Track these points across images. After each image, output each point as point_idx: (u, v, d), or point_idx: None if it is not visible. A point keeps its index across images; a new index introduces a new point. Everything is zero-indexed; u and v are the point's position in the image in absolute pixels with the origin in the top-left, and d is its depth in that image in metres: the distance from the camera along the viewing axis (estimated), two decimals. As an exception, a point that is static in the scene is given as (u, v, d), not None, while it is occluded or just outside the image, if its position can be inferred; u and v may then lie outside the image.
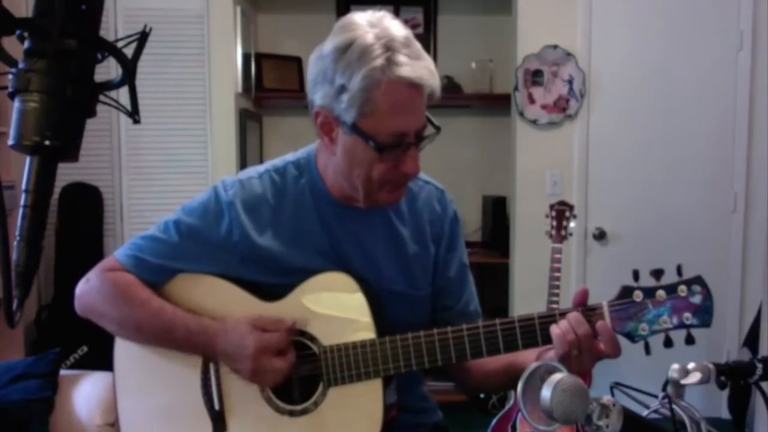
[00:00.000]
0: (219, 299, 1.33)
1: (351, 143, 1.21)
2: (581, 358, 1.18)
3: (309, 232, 1.33)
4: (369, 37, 1.15)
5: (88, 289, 1.35)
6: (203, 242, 1.32)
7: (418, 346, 1.25)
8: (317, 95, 1.21)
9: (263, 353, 1.24)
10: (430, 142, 1.25)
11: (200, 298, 1.34)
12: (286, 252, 1.31)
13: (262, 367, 1.24)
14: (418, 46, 1.19)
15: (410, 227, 1.38)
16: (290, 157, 1.38)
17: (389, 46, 1.15)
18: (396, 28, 1.18)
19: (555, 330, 1.19)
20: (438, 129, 1.24)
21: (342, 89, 1.17)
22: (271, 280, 1.31)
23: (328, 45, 1.19)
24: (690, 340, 1.19)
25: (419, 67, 1.16)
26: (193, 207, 1.34)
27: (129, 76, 0.80)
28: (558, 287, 2.76)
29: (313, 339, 1.29)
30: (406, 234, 1.38)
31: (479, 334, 1.23)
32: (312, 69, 1.23)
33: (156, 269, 1.33)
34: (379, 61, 1.14)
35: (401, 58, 1.15)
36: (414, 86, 1.16)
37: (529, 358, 1.27)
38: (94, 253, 3.53)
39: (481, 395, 3.74)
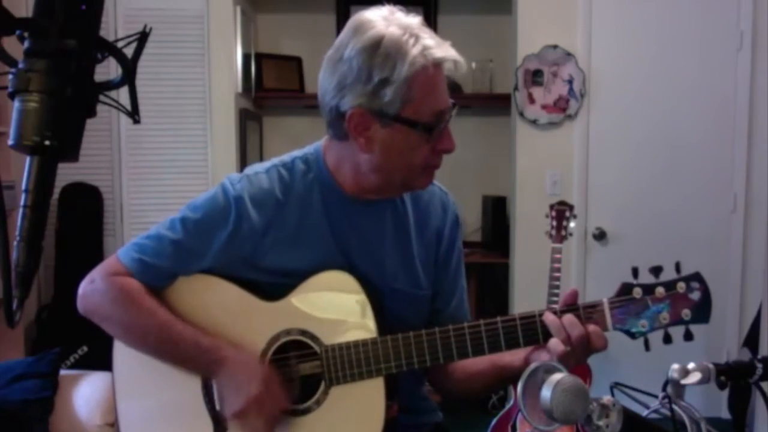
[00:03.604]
0: (220, 299, 1.33)
1: (392, 135, 1.23)
2: (574, 355, 1.20)
3: (314, 228, 1.33)
4: (394, 29, 1.19)
5: (92, 291, 1.34)
6: (210, 238, 1.31)
7: (419, 344, 1.25)
8: (347, 98, 1.21)
9: (260, 405, 1.24)
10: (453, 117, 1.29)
11: (202, 299, 1.34)
12: (290, 249, 1.32)
13: (250, 417, 1.24)
14: (430, 30, 1.24)
15: (416, 226, 1.39)
16: (297, 153, 1.38)
17: (414, 34, 1.20)
18: (408, 18, 1.23)
19: (550, 318, 1.22)
20: (455, 104, 1.27)
21: (384, 83, 1.18)
22: (275, 280, 1.31)
23: (352, 47, 1.20)
24: (688, 336, 1.20)
25: (446, 46, 1.23)
26: (200, 203, 1.33)
27: (129, 76, 0.80)
28: (558, 287, 2.76)
29: (314, 338, 1.29)
30: (412, 233, 1.38)
31: (481, 332, 1.24)
32: (331, 76, 1.23)
33: (160, 272, 1.32)
34: (417, 48, 1.19)
35: (429, 41, 1.21)
36: (442, 64, 1.22)
37: (515, 357, 1.28)
38: (94, 253, 3.53)
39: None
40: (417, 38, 1.19)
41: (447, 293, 1.43)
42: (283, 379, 1.28)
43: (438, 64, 1.20)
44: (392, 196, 1.36)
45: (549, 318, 1.22)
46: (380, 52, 1.18)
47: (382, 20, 1.21)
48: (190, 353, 1.29)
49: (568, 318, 1.21)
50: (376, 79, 1.18)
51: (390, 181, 1.29)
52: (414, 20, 1.23)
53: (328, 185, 1.34)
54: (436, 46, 1.20)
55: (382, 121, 1.21)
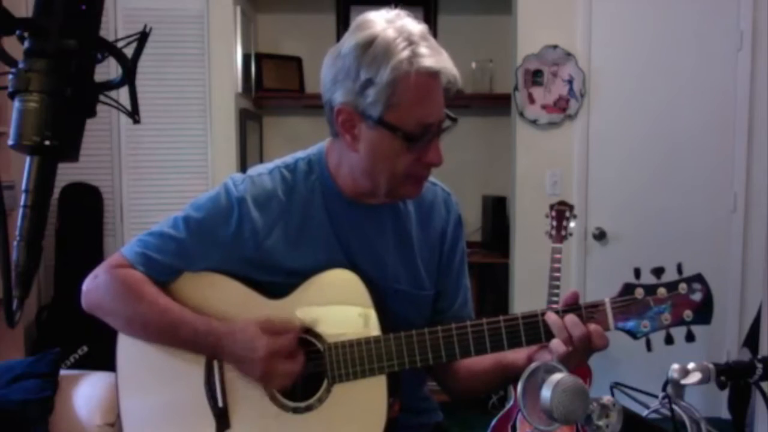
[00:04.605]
0: (224, 297, 1.34)
1: (376, 138, 1.22)
2: (576, 355, 1.21)
3: (317, 229, 1.33)
4: (390, 32, 1.18)
5: (95, 286, 1.35)
6: (212, 238, 1.32)
7: (422, 342, 1.26)
8: (338, 93, 1.22)
9: (273, 357, 1.24)
10: (448, 133, 1.27)
11: (206, 296, 1.34)
12: (293, 250, 1.32)
13: (273, 371, 1.25)
14: (434, 40, 1.22)
15: (418, 227, 1.39)
16: (300, 154, 1.39)
17: (411, 40, 1.18)
18: (413, 24, 1.21)
19: (553, 319, 1.22)
20: (455, 120, 1.26)
21: (368, 84, 1.18)
22: (277, 279, 1.32)
23: (348, 44, 1.21)
24: (690, 338, 1.21)
25: (442, 59, 1.20)
26: (203, 203, 1.34)
27: (129, 76, 0.80)
28: (558, 287, 2.76)
29: (317, 336, 1.29)
30: (414, 234, 1.39)
31: (483, 331, 1.24)
32: (329, 69, 1.24)
33: (163, 267, 1.33)
34: (405, 53, 1.17)
35: (424, 50, 1.18)
36: (437, 76, 1.19)
37: (519, 356, 1.29)
38: (94, 253, 3.53)
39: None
40: (410, 44, 1.18)
41: (451, 293, 1.43)
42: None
43: (427, 73, 1.18)
44: (382, 205, 1.35)
45: (551, 318, 1.22)
46: (370, 51, 1.18)
47: (383, 22, 1.21)
48: (189, 339, 1.30)
49: (570, 318, 1.21)
50: (362, 78, 1.18)
51: (377, 185, 1.28)
52: (417, 27, 1.21)
53: (329, 188, 1.34)
54: (429, 56, 1.18)
55: (367, 122, 1.22)
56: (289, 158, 1.39)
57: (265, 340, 1.24)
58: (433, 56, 1.19)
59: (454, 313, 1.42)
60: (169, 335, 1.31)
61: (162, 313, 1.30)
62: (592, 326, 1.21)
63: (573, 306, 1.24)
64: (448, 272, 1.43)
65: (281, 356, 1.24)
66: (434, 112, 1.22)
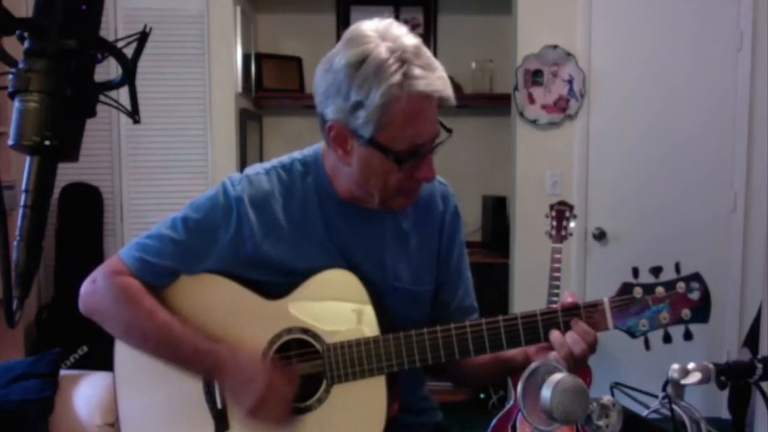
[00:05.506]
0: (222, 298, 1.34)
1: (367, 155, 1.22)
2: (574, 366, 1.22)
3: (314, 230, 1.33)
4: (382, 50, 1.15)
5: (93, 290, 1.34)
6: (211, 239, 1.31)
7: (421, 343, 1.26)
8: (329, 109, 1.21)
9: (267, 398, 1.24)
10: (443, 146, 1.26)
11: (204, 297, 1.34)
12: (291, 250, 1.32)
13: (264, 410, 1.25)
14: (428, 53, 1.20)
15: (415, 223, 1.39)
16: (297, 154, 1.39)
17: (403, 59, 1.15)
18: (406, 37, 1.18)
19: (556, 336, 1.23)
20: (450, 131, 1.25)
21: (358, 105, 1.16)
22: (276, 279, 1.32)
23: (339, 59, 1.18)
24: (688, 336, 1.22)
25: (434, 79, 1.17)
26: (201, 203, 1.34)
27: (129, 76, 0.80)
28: (558, 287, 2.76)
29: (316, 337, 1.29)
30: (411, 230, 1.39)
31: (482, 331, 1.25)
32: (321, 82, 1.22)
33: (162, 271, 1.33)
34: (396, 78, 1.14)
35: (417, 71, 1.15)
36: (429, 97, 1.17)
37: (517, 351, 1.30)
38: (94, 253, 3.53)
39: (481, 395, 3.74)
40: (403, 64, 1.15)
41: (452, 284, 1.44)
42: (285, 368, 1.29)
43: (419, 96, 1.16)
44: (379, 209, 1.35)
45: (554, 335, 1.23)
46: (360, 72, 1.15)
47: (375, 36, 1.17)
48: (189, 357, 1.29)
49: (572, 336, 1.22)
50: (353, 99, 1.17)
51: (370, 195, 1.29)
52: (410, 41, 1.18)
53: (325, 189, 1.34)
54: (422, 77, 1.15)
55: (358, 141, 1.21)
56: (285, 158, 1.38)
57: (267, 376, 1.24)
58: (426, 77, 1.16)
59: (458, 304, 1.43)
60: (168, 350, 1.30)
61: (162, 326, 1.29)
62: (590, 337, 1.22)
63: (572, 306, 1.24)
64: (448, 263, 1.43)
65: (276, 399, 1.24)
66: (425, 132, 1.21)
